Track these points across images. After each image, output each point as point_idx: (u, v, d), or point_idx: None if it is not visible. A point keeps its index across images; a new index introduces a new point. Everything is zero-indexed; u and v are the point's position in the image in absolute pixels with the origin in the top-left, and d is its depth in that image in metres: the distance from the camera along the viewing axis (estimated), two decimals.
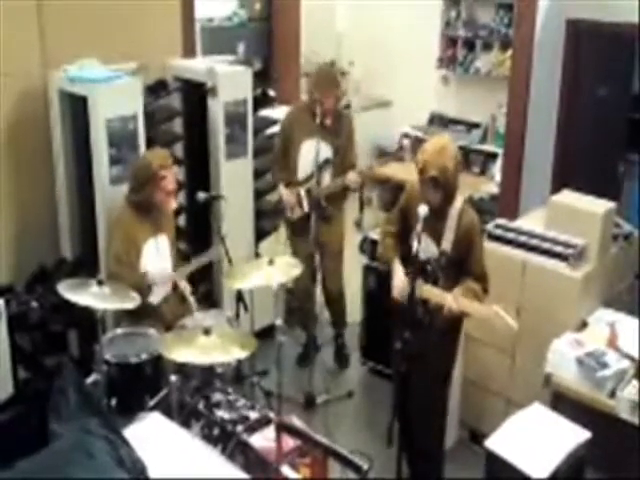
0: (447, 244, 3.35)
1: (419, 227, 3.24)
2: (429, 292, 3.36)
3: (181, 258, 4.25)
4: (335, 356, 5.10)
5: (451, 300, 3.27)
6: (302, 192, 4.71)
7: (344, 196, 4.86)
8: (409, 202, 3.51)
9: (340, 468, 2.85)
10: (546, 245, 3.96)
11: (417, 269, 3.29)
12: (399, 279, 3.44)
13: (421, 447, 3.66)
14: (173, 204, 3.99)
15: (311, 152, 4.51)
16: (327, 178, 4.68)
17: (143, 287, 3.81)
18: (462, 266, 3.41)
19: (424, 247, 3.37)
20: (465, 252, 3.38)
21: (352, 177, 4.60)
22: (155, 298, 3.97)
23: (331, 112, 4.59)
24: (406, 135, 7.91)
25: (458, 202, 3.38)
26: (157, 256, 3.96)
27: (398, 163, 7.62)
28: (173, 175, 3.94)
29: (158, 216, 3.98)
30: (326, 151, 4.61)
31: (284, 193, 4.78)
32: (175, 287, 4.05)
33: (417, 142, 7.61)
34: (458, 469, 3.86)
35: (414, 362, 3.41)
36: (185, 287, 4.06)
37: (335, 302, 5.03)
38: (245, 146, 4.84)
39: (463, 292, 3.33)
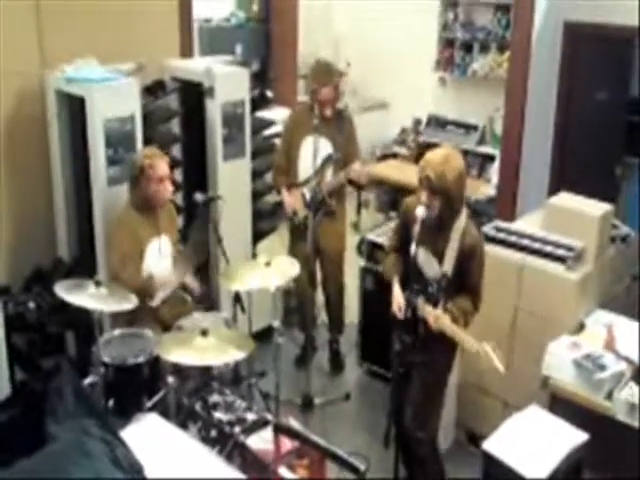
0: (449, 266, 3.32)
1: (416, 228, 3.24)
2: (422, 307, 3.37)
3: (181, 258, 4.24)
4: (330, 361, 5.10)
5: (434, 319, 3.27)
6: (306, 192, 4.68)
7: (344, 195, 4.84)
8: (408, 213, 3.48)
9: (337, 469, 2.85)
10: (543, 247, 3.96)
11: (415, 276, 3.33)
12: (396, 300, 3.43)
13: (416, 452, 3.65)
14: (168, 190, 3.92)
15: (311, 149, 4.48)
16: (329, 175, 4.65)
17: (148, 290, 3.82)
18: (461, 284, 3.40)
19: (426, 262, 3.37)
20: (464, 271, 3.36)
21: (356, 167, 4.55)
22: (155, 301, 3.96)
23: (330, 103, 4.59)
24: (404, 130, 7.98)
25: (461, 222, 3.34)
26: (159, 257, 3.95)
27: (395, 161, 7.68)
28: (164, 163, 3.89)
29: (160, 217, 3.98)
30: (327, 147, 4.59)
31: (286, 196, 4.76)
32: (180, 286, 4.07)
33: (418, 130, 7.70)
34: (455, 471, 3.86)
35: (411, 368, 3.44)
36: (193, 284, 4.08)
37: (333, 305, 5.02)
38: (243, 147, 4.84)
39: (453, 311, 3.32)
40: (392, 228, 3.75)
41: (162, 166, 3.88)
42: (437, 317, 3.27)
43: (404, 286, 3.42)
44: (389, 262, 3.60)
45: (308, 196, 4.64)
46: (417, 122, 7.91)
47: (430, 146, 3.76)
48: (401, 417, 3.52)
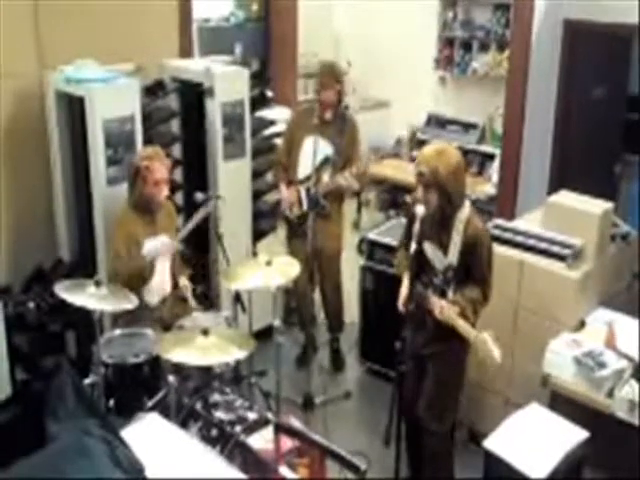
0: (453, 257, 3.34)
1: (417, 226, 3.25)
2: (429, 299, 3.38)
3: (180, 259, 4.24)
4: (330, 360, 5.10)
5: (439, 309, 3.29)
6: (302, 190, 4.71)
7: (342, 196, 4.85)
8: (412, 209, 3.49)
9: (338, 468, 2.84)
10: (544, 245, 3.96)
11: (415, 269, 3.33)
12: (402, 294, 3.46)
13: (428, 445, 3.64)
14: (163, 193, 3.91)
15: (311, 149, 4.49)
16: (327, 176, 4.64)
17: (144, 267, 3.82)
18: (469, 275, 3.41)
19: (434, 255, 3.39)
20: (470, 262, 3.37)
21: (345, 177, 4.57)
22: (154, 299, 3.96)
23: (329, 106, 4.60)
24: (399, 141, 7.98)
25: (464, 214, 3.35)
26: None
27: (394, 160, 7.67)
28: (161, 165, 3.89)
29: (158, 217, 3.98)
30: (326, 148, 4.60)
31: (284, 192, 4.78)
32: (175, 286, 4.06)
33: (415, 140, 7.69)
34: (457, 469, 3.85)
35: (422, 360, 3.47)
36: (186, 286, 4.06)
37: (331, 305, 5.02)
38: (243, 147, 4.84)
39: (460, 300, 3.33)
40: (394, 225, 3.76)
41: (160, 169, 3.87)
42: (442, 308, 3.29)
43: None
44: (399, 258, 3.66)
45: (304, 194, 4.66)
46: (414, 133, 7.86)
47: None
48: (412, 409, 3.53)
